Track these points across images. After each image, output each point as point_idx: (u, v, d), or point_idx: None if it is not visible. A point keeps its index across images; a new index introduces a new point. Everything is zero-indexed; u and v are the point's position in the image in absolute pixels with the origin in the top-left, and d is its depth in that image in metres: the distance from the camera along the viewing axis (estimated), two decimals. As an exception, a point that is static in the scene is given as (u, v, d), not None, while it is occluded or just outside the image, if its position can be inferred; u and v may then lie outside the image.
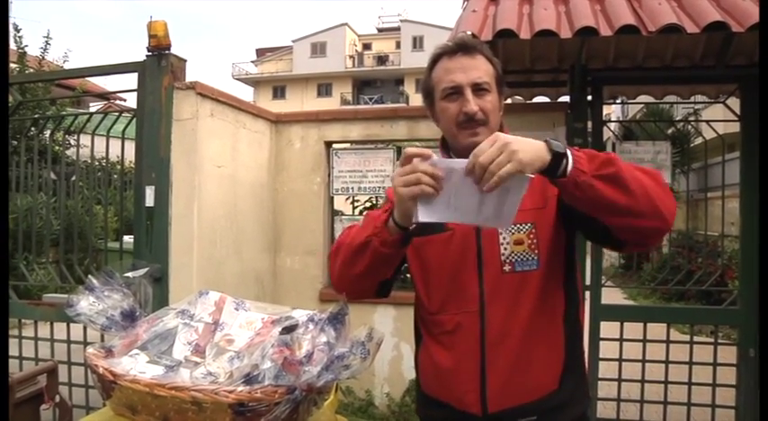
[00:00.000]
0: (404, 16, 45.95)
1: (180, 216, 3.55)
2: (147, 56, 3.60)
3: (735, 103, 3.82)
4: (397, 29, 44.98)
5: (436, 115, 1.63)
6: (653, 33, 3.02)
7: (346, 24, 44.77)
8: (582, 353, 1.63)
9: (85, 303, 1.65)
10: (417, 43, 42.20)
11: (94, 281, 1.69)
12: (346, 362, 1.35)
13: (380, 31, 48.75)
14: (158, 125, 3.56)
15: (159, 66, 3.57)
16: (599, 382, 3.70)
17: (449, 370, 1.54)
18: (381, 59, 44.76)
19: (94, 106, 13.36)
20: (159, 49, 3.57)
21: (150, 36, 3.55)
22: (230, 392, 1.32)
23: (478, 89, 1.53)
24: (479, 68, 1.55)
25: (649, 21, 3.09)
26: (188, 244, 3.54)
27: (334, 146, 4.47)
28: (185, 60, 3.71)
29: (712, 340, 3.84)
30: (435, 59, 1.60)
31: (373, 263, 1.45)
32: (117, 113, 4.20)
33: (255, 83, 46.34)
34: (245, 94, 43.42)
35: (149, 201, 3.57)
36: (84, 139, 4.38)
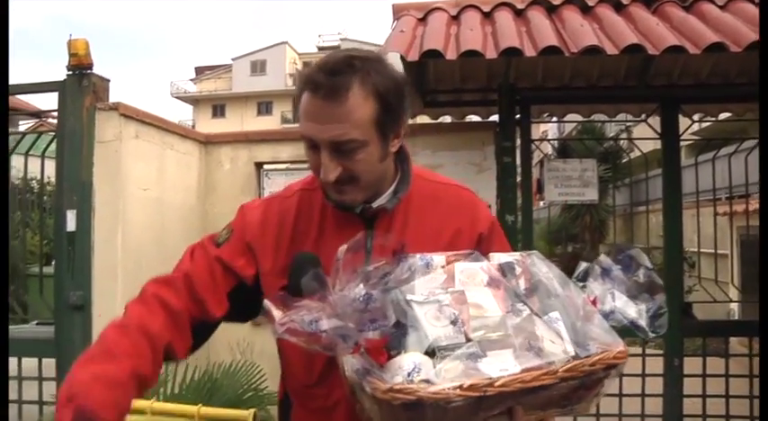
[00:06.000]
0: (344, 35, 46.19)
1: (103, 241, 3.41)
2: (67, 75, 3.48)
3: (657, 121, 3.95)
4: (338, 47, 44.94)
5: None
6: (575, 54, 3.10)
7: (286, 43, 44.67)
8: None
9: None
10: (358, 61, 42.30)
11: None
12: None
13: (321, 49, 48.68)
14: (80, 147, 3.43)
15: (80, 85, 3.45)
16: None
17: None
18: (322, 77, 44.67)
19: (23, 125, 12.85)
20: (80, 67, 3.45)
21: (71, 55, 3.43)
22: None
23: (341, 149, 1.22)
24: (344, 120, 1.19)
25: (572, 42, 3.17)
26: (112, 270, 3.41)
27: (265, 167, 4.39)
28: (108, 80, 3.60)
29: (641, 352, 3.93)
30: (301, 88, 1.24)
31: None
32: (37, 134, 4.03)
33: (195, 101, 45.59)
34: (185, 112, 42.66)
35: (70, 225, 3.42)
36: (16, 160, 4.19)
